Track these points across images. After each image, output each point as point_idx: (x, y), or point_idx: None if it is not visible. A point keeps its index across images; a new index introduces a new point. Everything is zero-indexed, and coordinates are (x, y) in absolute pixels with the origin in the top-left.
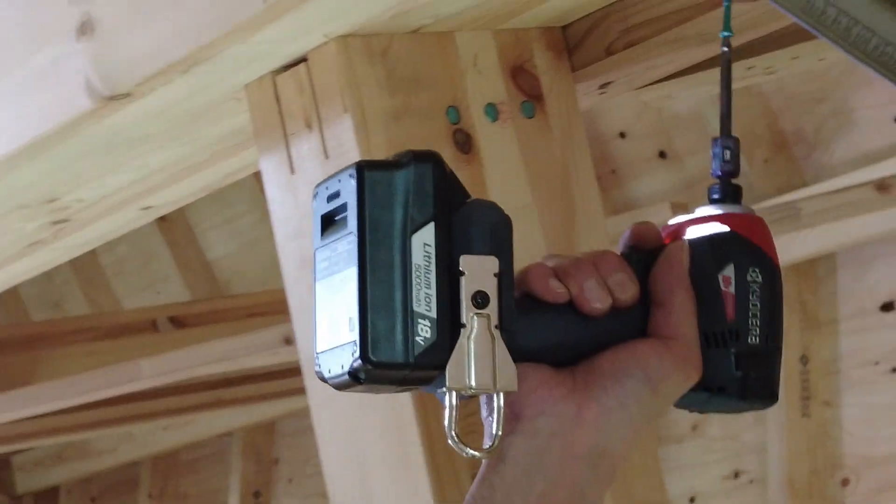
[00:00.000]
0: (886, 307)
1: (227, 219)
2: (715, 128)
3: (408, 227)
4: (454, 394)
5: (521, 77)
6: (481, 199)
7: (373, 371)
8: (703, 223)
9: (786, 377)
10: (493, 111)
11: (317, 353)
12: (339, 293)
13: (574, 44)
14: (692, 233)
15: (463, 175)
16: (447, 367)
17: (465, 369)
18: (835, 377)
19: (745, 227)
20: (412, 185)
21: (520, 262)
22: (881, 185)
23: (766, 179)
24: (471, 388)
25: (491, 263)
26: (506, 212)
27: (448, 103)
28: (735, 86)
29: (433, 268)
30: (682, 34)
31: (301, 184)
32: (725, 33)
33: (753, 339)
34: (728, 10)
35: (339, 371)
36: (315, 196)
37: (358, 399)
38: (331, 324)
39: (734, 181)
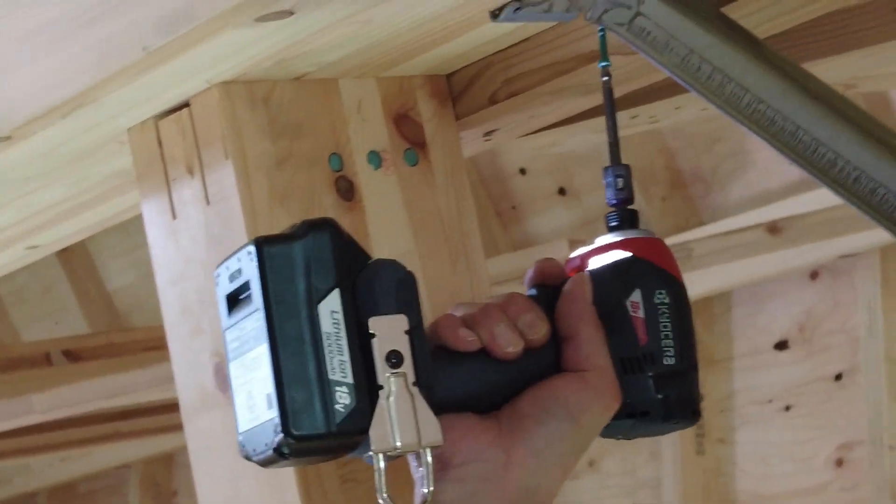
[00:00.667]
0: (780, 345)
1: (128, 249)
2: None
3: (313, 297)
4: (381, 456)
5: (404, 125)
6: (382, 259)
7: (296, 445)
8: (605, 251)
9: None
10: (376, 158)
11: (239, 433)
12: (253, 371)
13: (458, 92)
14: (595, 263)
15: (345, 222)
16: (370, 431)
17: (388, 430)
18: (729, 414)
19: (645, 250)
20: (312, 255)
21: None
22: (773, 228)
23: (663, 218)
24: (396, 448)
25: (400, 321)
26: (407, 268)
27: (331, 150)
28: (621, 133)
29: (343, 334)
30: (563, 85)
31: (182, 229)
32: (603, 63)
33: (669, 359)
34: (603, 39)
35: (264, 449)
36: (217, 278)
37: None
38: (249, 402)
39: (630, 207)
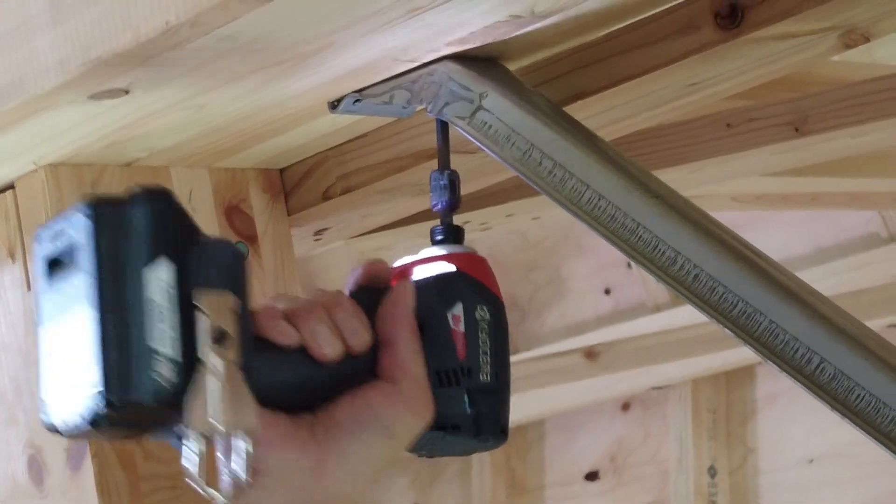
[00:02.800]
0: (591, 476)
1: None
2: None
3: (142, 264)
4: (198, 435)
5: (235, 217)
6: (216, 237)
7: (112, 411)
8: (429, 263)
9: None
10: None
11: (44, 402)
12: (70, 336)
13: (291, 186)
14: (419, 273)
15: None
16: (186, 405)
17: (205, 407)
18: None
19: (469, 265)
20: (145, 221)
21: None
22: (589, 353)
23: None
24: (211, 425)
25: (228, 299)
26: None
27: None
28: None
29: (169, 304)
30: (396, 183)
31: (2, 315)
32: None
33: (485, 376)
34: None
35: (75, 418)
36: (37, 240)
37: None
38: (61, 369)
39: (456, 223)
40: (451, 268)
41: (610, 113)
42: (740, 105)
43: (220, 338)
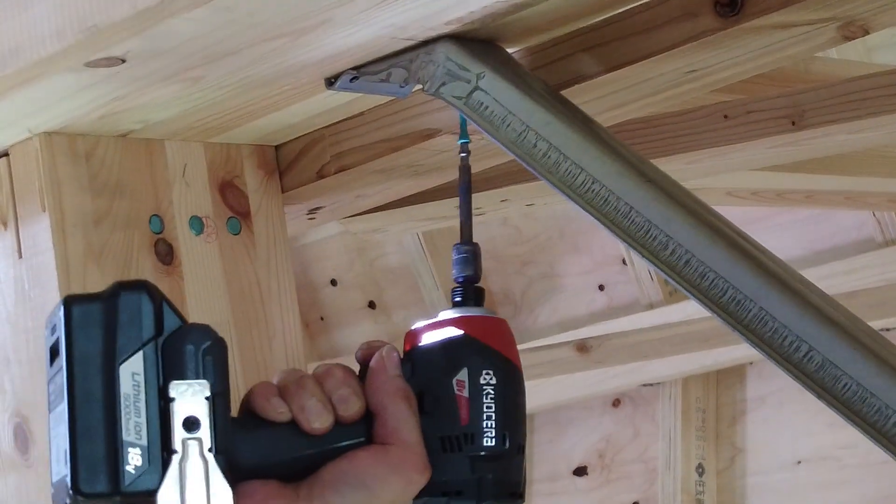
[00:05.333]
0: (579, 471)
1: None
2: (424, 283)
3: (116, 358)
4: None
5: (229, 193)
6: (195, 324)
7: (86, 503)
8: (441, 327)
9: None
10: (198, 224)
11: (52, 485)
12: (59, 426)
13: (286, 164)
14: (428, 338)
15: (163, 286)
16: (159, 494)
17: (177, 495)
18: None
19: (479, 329)
20: (119, 316)
21: None
22: (581, 347)
23: None
24: None
25: (202, 387)
26: (219, 334)
27: (152, 212)
28: (442, 225)
29: (143, 396)
30: (392, 163)
31: None
32: (462, 140)
33: (489, 440)
34: (464, 120)
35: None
36: (46, 327)
37: None
38: (56, 456)
39: (476, 285)
40: (459, 332)
41: (607, 98)
42: (738, 98)
43: (193, 426)
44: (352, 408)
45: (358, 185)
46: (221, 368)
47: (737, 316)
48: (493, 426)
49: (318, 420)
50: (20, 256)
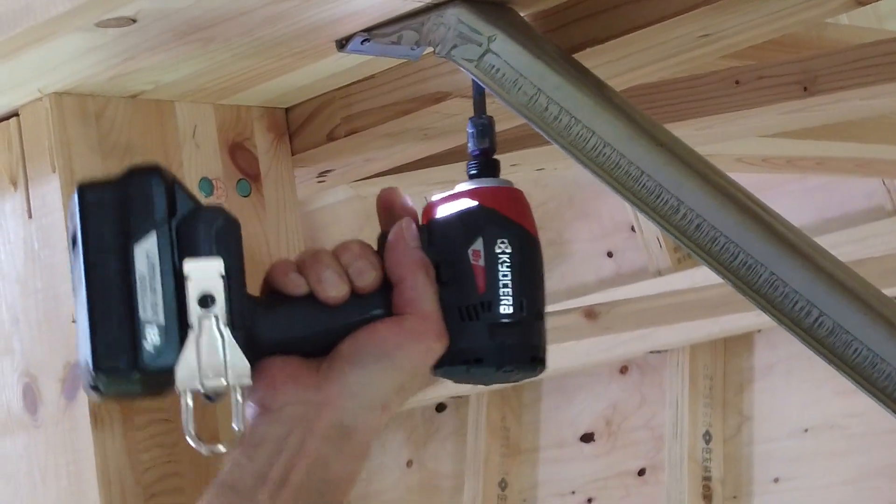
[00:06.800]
0: (586, 438)
1: None
2: None
3: (130, 239)
4: (189, 393)
5: (239, 155)
6: (209, 205)
7: (106, 380)
8: (455, 199)
9: (483, 501)
10: (207, 186)
11: (80, 368)
12: (81, 310)
13: (296, 127)
14: (443, 210)
15: None
16: (176, 368)
17: (194, 369)
18: None
19: (493, 199)
20: (131, 199)
21: None
22: (589, 313)
23: None
24: (202, 385)
25: (216, 264)
26: (232, 214)
27: None
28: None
29: (157, 275)
30: (402, 127)
31: (1, 243)
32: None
33: (506, 307)
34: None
35: (88, 384)
36: (68, 218)
37: (39, 473)
38: (81, 338)
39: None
40: (474, 203)
41: (619, 62)
42: (750, 64)
43: (208, 302)
44: (368, 278)
45: (368, 149)
46: (235, 246)
47: (747, 280)
48: (510, 293)
49: (334, 289)
50: (30, 217)
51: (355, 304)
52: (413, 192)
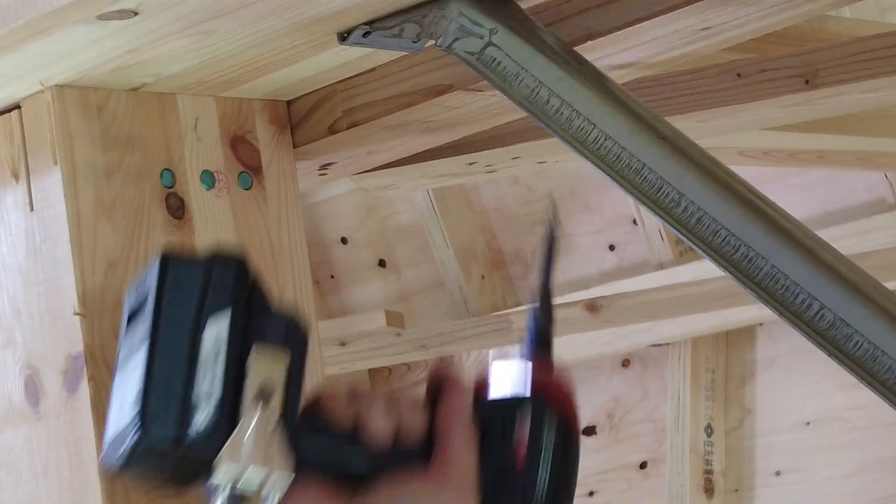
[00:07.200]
0: (588, 431)
1: None
2: (435, 242)
3: (203, 317)
4: (227, 482)
5: (240, 147)
6: (285, 307)
7: (149, 448)
8: (509, 376)
9: None
10: (209, 178)
11: (105, 443)
12: (130, 377)
13: (298, 120)
14: (499, 389)
15: (174, 240)
16: (222, 451)
17: (240, 455)
18: None
19: (546, 387)
20: (213, 279)
21: None
22: (591, 306)
23: (481, 296)
24: (244, 472)
25: (282, 357)
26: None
27: (163, 166)
28: (454, 182)
29: (222, 357)
30: (404, 119)
31: (3, 235)
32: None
33: (540, 495)
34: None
35: (120, 452)
36: (126, 296)
37: (40, 465)
38: (120, 409)
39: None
40: (527, 386)
41: (621, 55)
42: (751, 57)
43: (266, 393)
44: (412, 431)
45: (370, 141)
46: (302, 348)
47: (749, 273)
48: (545, 481)
49: (379, 438)
50: (31, 209)
51: (395, 454)
52: (416, 185)
